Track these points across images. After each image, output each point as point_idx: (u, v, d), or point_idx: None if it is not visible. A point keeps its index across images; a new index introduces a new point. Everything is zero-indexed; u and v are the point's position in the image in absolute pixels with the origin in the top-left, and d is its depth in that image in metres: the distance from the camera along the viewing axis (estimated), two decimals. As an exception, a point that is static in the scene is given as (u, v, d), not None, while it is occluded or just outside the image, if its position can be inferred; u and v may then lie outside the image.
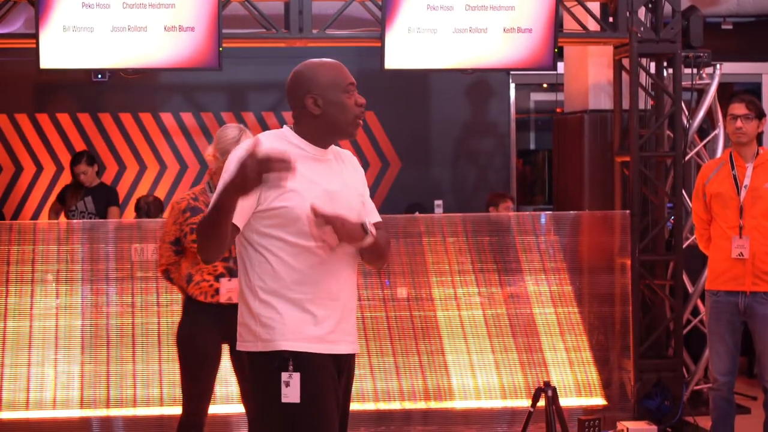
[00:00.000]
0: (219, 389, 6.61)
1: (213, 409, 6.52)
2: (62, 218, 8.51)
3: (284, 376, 3.42)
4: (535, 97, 11.42)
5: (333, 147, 3.69)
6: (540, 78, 10.54)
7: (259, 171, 3.22)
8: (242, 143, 4.57)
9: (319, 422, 3.45)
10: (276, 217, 3.47)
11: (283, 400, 3.42)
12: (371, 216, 3.75)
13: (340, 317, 3.56)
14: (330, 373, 3.51)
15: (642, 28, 7.38)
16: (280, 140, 3.57)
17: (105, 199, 8.44)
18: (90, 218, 8.21)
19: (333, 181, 3.59)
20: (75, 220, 7.86)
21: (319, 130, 3.59)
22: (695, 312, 7.81)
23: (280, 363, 3.44)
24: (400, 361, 7.09)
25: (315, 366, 3.46)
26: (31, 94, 9.53)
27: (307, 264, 3.47)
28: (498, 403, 7.12)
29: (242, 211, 3.45)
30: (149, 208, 8.41)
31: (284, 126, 3.65)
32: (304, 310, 3.49)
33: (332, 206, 3.47)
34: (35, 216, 9.44)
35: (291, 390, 3.42)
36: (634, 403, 7.30)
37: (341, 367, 3.59)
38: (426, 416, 7.10)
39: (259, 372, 3.51)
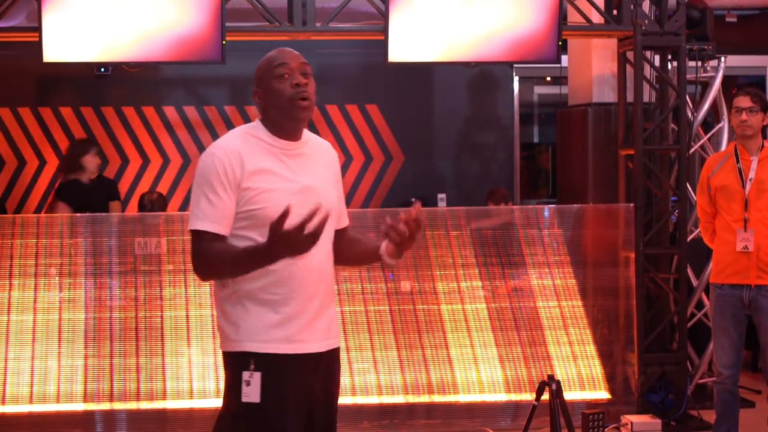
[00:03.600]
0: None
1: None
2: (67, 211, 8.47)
3: (245, 375, 3.40)
4: (539, 90, 11.42)
5: (311, 139, 3.63)
6: (544, 71, 10.52)
7: (299, 238, 3.14)
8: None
9: (277, 423, 3.41)
10: (250, 218, 3.42)
11: (243, 399, 3.39)
12: (342, 219, 3.72)
13: (313, 316, 3.49)
14: (295, 374, 3.45)
15: (646, 21, 7.37)
16: (246, 137, 3.51)
17: (106, 193, 8.39)
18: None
19: (307, 175, 3.52)
20: (78, 214, 7.82)
21: (275, 121, 3.52)
22: (699, 305, 7.82)
23: (243, 362, 3.41)
24: (404, 354, 7.07)
25: (278, 367, 3.42)
26: (33, 87, 9.52)
27: (281, 265, 3.35)
28: (502, 397, 7.12)
29: (229, 219, 3.42)
30: (153, 206, 8.36)
31: (257, 120, 3.59)
32: (275, 311, 3.43)
33: (309, 202, 3.32)
34: (38, 210, 9.41)
35: (251, 389, 3.39)
36: (638, 396, 7.29)
37: (317, 365, 3.51)
38: (429, 410, 7.08)
39: (227, 371, 3.51)
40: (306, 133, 3.61)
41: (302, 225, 3.11)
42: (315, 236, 3.14)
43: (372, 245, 3.66)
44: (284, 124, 3.52)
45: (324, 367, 3.55)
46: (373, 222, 7.06)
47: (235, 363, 3.45)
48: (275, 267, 3.35)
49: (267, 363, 3.41)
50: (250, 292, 3.43)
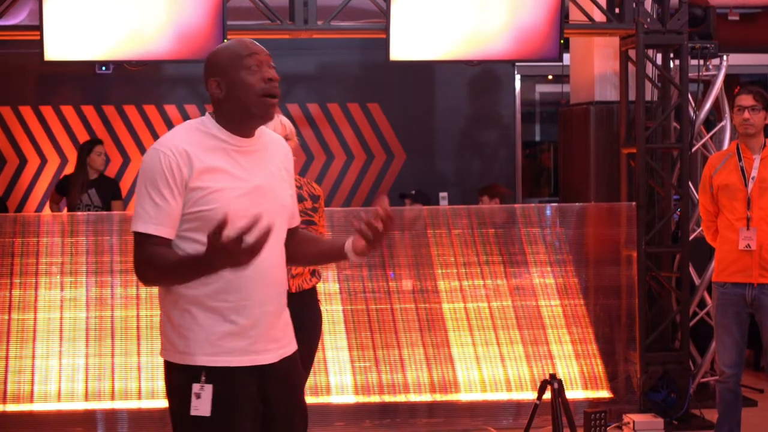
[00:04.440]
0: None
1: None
2: (66, 210, 8.50)
3: (195, 387, 3.23)
4: (541, 88, 11.41)
5: (264, 134, 3.42)
6: (545, 69, 10.54)
7: (238, 249, 2.95)
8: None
9: None
10: (198, 219, 3.22)
11: (192, 412, 3.22)
12: (294, 218, 3.54)
13: (267, 325, 3.32)
14: (249, 386, 3.30)
15: (648, 19, 7.34)
16: (195, 132, 3.31)
17: (110, 192, 8.44)
18: (96, 211, 8.19)
19: (260, 174, 3.33)
20: (79, 212, 7.82)
21: (231, 115, 3.29)
22: (702, 304, 7.79)
23: (192, 374, 3.24)
24: (405, 353, 7.05)
25: (231, 379, 3.26)
26: (35, 86, 9.53)
27: (229, 270, 3.11)
28: (504, 396, 7.10)
29: (174, 222, 3.23)
30: None
31: (207, 114, 3.36)
32: (226, 320, 3.25)
33: (261, 203, 3.24)
34: (39, 208, 9.43)
35: (201, 402, 3.23)
36: (640, 395, 7.26)
37: (271, 373, 3.35)
38: (431, 409, 7.07)
39: (171, 381, 3.34)
40: (259, 128, 3.41)
41: (240, 236, 2.91)
42: (255, 250, 2.95)
43: (334, 244, 3.51)
44: (244, 120, 3.31)
45: (281, 373, 3.39)
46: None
47: (183, 375, 3.27)
48: (223, 272, 3.14)
49: (219, 375, 3.25)
50: (197, 298, 3.24)
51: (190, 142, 3.25)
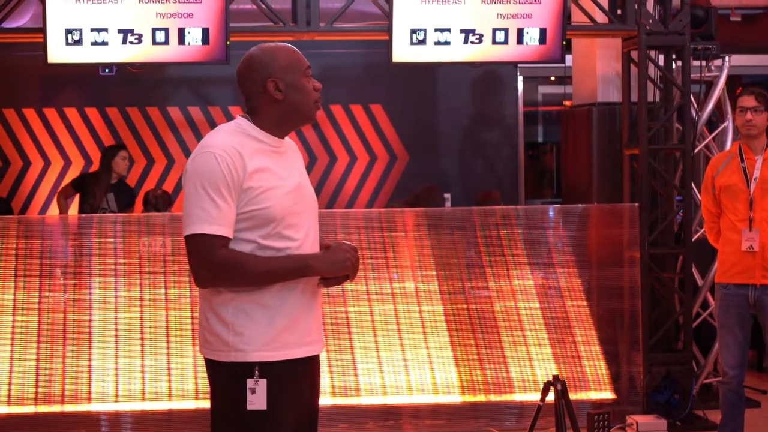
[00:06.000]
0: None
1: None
2: (71, 211, 8.50)
3: (250, 382, 3.30)
4: (543, 89, 11.42)
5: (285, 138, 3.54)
6: (548, 71, 10.53)
7: (356, 263, 3.40)
8: None
9: (282, 429, 3.36)
10: (251, 219, 3.31)
11: (249, 407, 3.30)
12: None
13: (314, 316, 3.46)
14: (301, 378, 3.42)
15: (650, 21, 7.35)
16: (237, 134, 3.37)
17: (127, 199, 8.46)
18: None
19: (294, 174, 3.46)
20: (82, 215, 7.83)
21: (281, 117, 3.43)
22: (705, 305, 7.78)
23: (246, 371, 3.31)
24: (408, 355, 7.05)
25: (285, 372, 3.35)
26: (38, 88, 9.52)
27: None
28: (507, 397, 7.09)
29: (232, 222, 3.30)
30: (157, 201, 8.41)
31: (239, 117, 3.45)
32: (281, 314, 3.34)
33: (302, 202, 3.41)
34: (43, 210, 9.43)
35: (257, 397, 3.31)
36: (643, 396, 7.28)
37: (316, 365, 3.51)
38: (434, 410, 7.06)
39: (221, 380, 3.40)
40: None
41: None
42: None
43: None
44: (291, 122, 3.45)
45: (319, 366, 3.54)
46: (377, 222, 7.07)
47: (235, 372, 3.33)
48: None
49: (274, 369, 3.33)
50: (253, 296, 3.32)
51: (238, 143, 3.32)
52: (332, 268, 3.35)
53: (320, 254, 3.38)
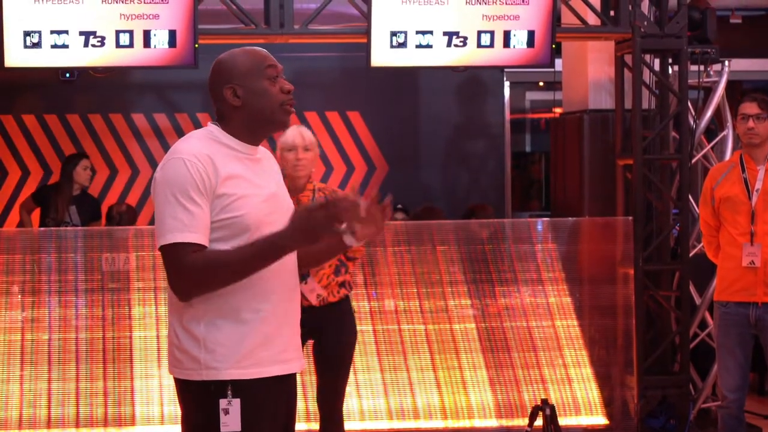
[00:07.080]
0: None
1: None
2: (30, 222, 8.51)
3: (223, 403, 3.22)
4: (531, 96, 11.47)
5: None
6: (536, 76, 10.55)
7: (329, 222, 3.12)
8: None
9: None
10: (225, 228, 3.23)
11: (223, 429, 3.21)
12: None
13: (291, 333, 3.37)
14: (275, 397, 3.32)
15: (645, 23, 7.29)
16: (208, 141, 3.30)
17: (90, 212, 8.40)
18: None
19: (270, 182, 3.40)
20: (41, 228, 7.82)
21: (247, 124, 3.34)
22: (703, 325, 7.72)
23: (218, 390, 3.23)
24: (388, 377, 7.01)
25: (259, 390, 3.26)
26: (-5, 94, 9.72)
27: (256, 277, 3.21)
28: (492, 423, 7.04)
29: (207, 229, 3.22)
30: (121, 218, 8.40)
31: (210, 124, 3.38)
32: (254, 330, 3.25)
33: (278, 211, 3.32)
34: (0, 222, 9.47)
35: (231, 418, 3.22)
36: (637, 422, 7.21)
37: (292, 385, 3.42)
38: (416, 436, 7.10)
39: (191, 401, 3.30)
40: None
41: (342, 201, 3.15)
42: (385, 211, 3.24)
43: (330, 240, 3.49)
44: (260, 129, 3.38)
45: (295, 385, 3.47)
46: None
47: (207, 392, 3.24)
48: (248, 282, 3.21)
49: (247, 387, 3.25)
50: (225, 310, 3.24)
51: (209, 149, 3.28)
52: (302, 236, 3.16)
53: (285, 229, 3.18)
